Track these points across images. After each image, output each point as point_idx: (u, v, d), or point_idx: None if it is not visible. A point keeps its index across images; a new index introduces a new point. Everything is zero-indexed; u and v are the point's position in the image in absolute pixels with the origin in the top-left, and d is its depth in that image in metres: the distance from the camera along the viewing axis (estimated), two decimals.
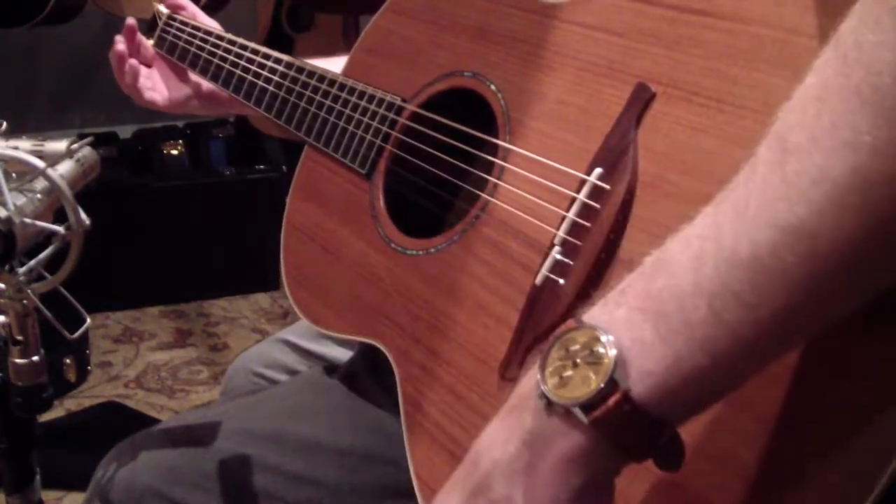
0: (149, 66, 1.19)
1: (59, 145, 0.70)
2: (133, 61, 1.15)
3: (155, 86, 1.18)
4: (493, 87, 0.80)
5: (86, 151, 0.73)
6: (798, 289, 0.43)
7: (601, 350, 0.47)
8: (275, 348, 1.18)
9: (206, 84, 1.14)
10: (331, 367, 0.97)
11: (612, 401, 0.46)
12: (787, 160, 0.43)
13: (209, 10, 2.76)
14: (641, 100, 0.65)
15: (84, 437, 2.06)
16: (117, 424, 2.13)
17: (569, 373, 0.48)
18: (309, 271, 0.94)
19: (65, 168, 0.69)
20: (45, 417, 1.97)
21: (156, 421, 2.13)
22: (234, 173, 2.84)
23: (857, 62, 0.41)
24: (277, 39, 3.00)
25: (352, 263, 0.89)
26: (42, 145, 0.70)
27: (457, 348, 0.75)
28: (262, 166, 2.84)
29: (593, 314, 0.49)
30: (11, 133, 0.71)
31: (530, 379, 0.50)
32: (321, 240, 0.93)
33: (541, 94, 0.75)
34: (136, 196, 2.71)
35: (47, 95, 3.16)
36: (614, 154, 0.65)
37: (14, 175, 0.66)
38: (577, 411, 0.46)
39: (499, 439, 0.51)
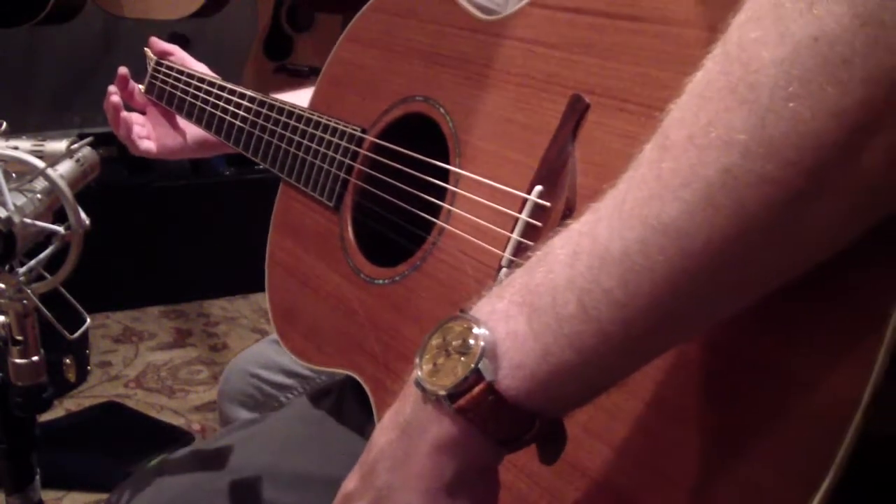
0: (143, 111, 1.21)
1: (59, 145, 0.70)
2: (126, 114, 1.17)
3: (149, 134, 1.20)
4: (441, 109, 0.80)
5: (86, 151, 0.73)
6: (667, 287, 0.42)
7: (472, 341, 0.47)
8: (271, 349, 1.18)
9: (196, 128, 1.15)
10: (319, 394, 0.98)
11: (476, 391, 0.46)
12: (664, 158, 0.42)
13: (209, 10, 2.76)
14: (577, 111, 0.64)
15: (84, 437, 2.06)
16: (117, 424, 2.13)
17: (441, 361, 0.48)
18: (292, 306, 0.95)
19: (65, 168, 0.69)
20: (45, 417, 1.97)
21: (156, 421, 2.14)
22: (234, 173, 2.84)
23: (737, 59, 0.40)
24: (277, 39, 3.00)
25: (327, 296, 0.89)
26: (42, 145, 0.70)
27: None
28: (261, 166, 2.83)
29: (479, 306, 0.49)
30: (11, 133, 0.71)
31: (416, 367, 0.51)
32: (300, 275, 0.94)
33: (486, 113, 0.75)
34: (136, 196, 2.71)
35: (47, 95, 3.16)
36: (554, 170, 0.65)
37: (14, 175, 0.66)
38: (444, 398, 0.47)
39: (386, 426, 0.52)
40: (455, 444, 0.48)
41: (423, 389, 0.49)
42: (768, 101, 0.39)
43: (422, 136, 0.82)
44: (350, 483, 0.55)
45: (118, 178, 2.70)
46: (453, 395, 0.47)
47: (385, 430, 0.52)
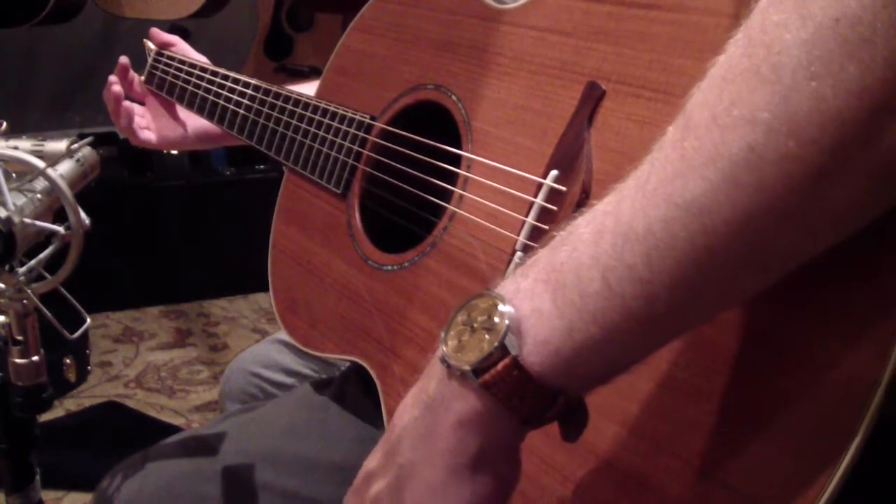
0: (142, 102, 1.20)
1: (59, 145, 0.70)
2: (127, 103, 1.16)
3: (149, 125, 1.19)
4: (454, 97, 0.80)
5: (86, 151, 0.73)
6: (690, 264, 0.43)
7: (496, 318, 0.48)
8: (272, 349, 1.18)
9: (197, 119, 1.15)
10: (322, 383, 0.98)
11: (500, 365, 0.47)
12: (686, 137, 0.43)
13: (209, 10, 2.76)
14: (592, 98, 0.65)
15: (84, 437, 2.06)
16: (117, 424, 2.13)
17: (466, 337, 0.49)
18: (296, 295, 0.94)
19: (65, 168, 0.69)
20: (45, 417, 1.97)
21: (156, 421, 2.14)
22: (234, 173, 2.84)
23: (759, 42, 0.41)
24: (277, 39, 3.00)
25: (334, 284, 0.89)
26: (42, 145, 0.70)
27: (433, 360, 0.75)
28: (262, 166, 2.84)
29: (504, 284, 0.50)
30: (11, 133, 0.71)
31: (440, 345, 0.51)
32: (305, 263, 0.94)
33: (498, 100, 0.75)
34: (136, 196, 2.71)
35: (47, 95, 3.16)
36: (569, 155, 0.66)
37: (14, 175, 0.66)
38: (469, 374, 0.48)
39: (408, 403, 0.52)
40: (479, 420, 0.48)
41: (448, 365, 0.49)
42: (791, 81, 0.40)
43: (432, 124, 0.83)
44: (372, 461, 0.55)
45: (118, 178, 2.70)
46: (478, 371, 0.47)
47: (408, 408, 0.52)
